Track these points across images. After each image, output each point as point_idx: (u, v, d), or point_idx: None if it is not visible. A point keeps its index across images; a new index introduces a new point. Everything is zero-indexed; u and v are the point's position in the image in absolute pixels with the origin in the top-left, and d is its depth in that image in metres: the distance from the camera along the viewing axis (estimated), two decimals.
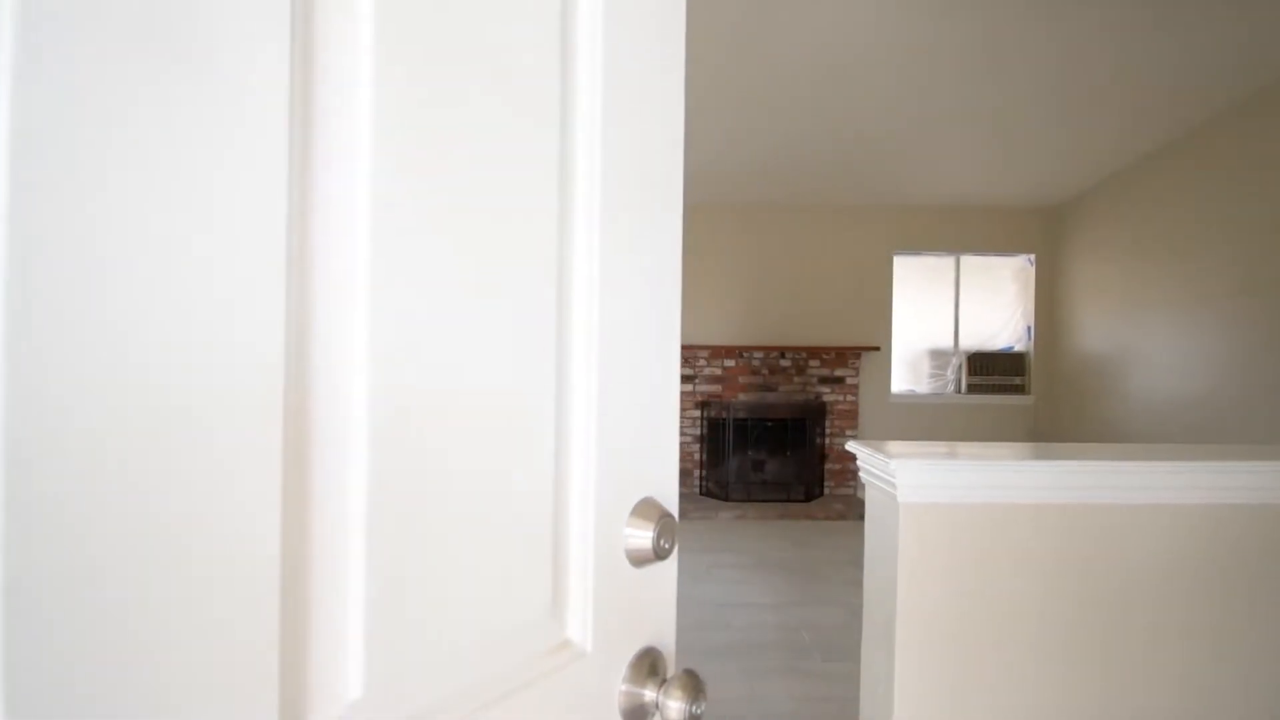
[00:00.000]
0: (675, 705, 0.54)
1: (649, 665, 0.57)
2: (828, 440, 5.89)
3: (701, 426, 5.86)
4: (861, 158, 4.99)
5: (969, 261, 6.14)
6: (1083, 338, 5.70)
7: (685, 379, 5.86)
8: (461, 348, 0.43)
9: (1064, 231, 5.92)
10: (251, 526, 0.32)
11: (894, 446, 1.61)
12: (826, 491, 5.90)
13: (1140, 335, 5.03)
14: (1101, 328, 5.50)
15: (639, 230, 0.57)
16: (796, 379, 5.88)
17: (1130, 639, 1.53)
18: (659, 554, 0.56)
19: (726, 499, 5.62)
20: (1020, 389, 6.07)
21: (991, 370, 6.05)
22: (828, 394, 5.89)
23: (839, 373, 5.90)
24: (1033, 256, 6.08)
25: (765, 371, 5.87)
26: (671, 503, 0.60)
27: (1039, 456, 1.54)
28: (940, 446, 1.66)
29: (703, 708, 0.55)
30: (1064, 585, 1.51)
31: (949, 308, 6.15)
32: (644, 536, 0.55)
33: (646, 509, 0.57)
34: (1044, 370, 6.07)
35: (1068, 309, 5.88)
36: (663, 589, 0.61)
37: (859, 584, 3.83)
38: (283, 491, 0.34)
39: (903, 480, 1.46)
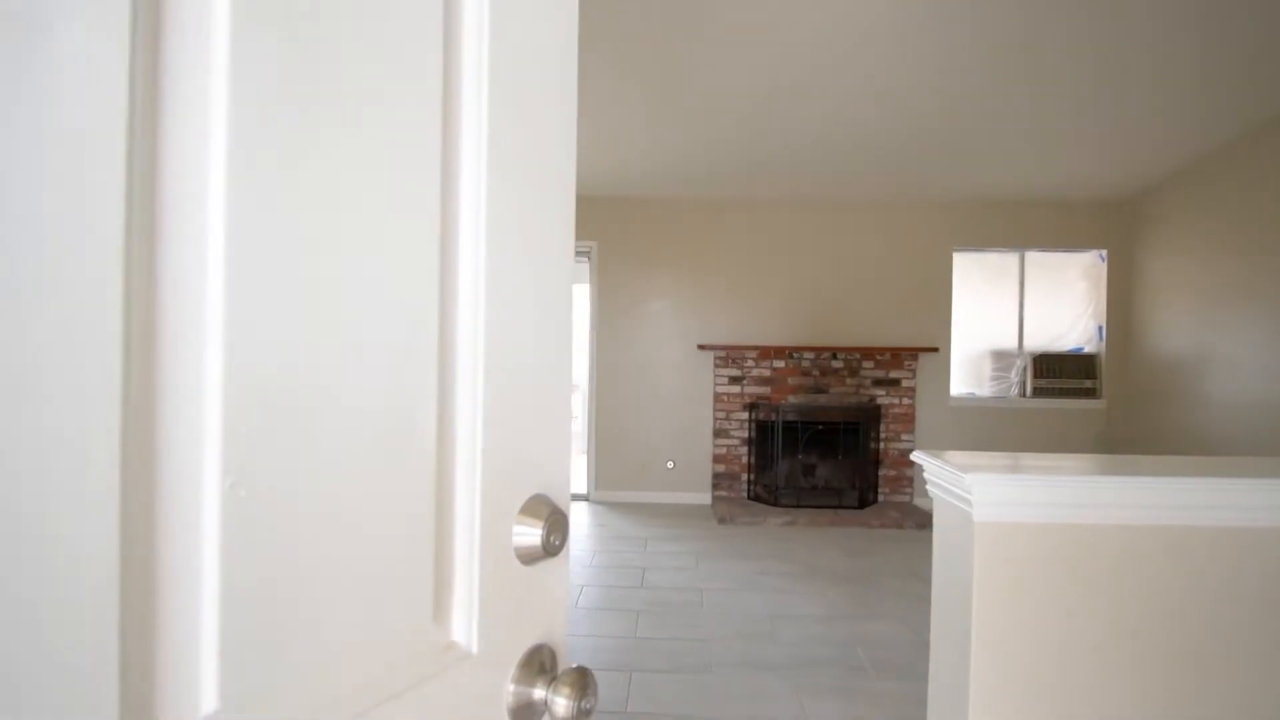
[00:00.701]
0: (563, 702, 0.54)
1: (539, 663, 0.57)
2: (882, 445, 5.66)
3: (750, 429, 5.70)
4: (918, 149, 4.76)
5: (1034, 258, 5.82)
6: (1160, 338, 5.34)
7: (733, 380, 5.72)
8: (335, 343, 0.42)
9: (1139, 225, 5.56)
10: (84, 524, 0.30)
11: (965, 458, 1.46)
12: (881, 499, 5.67)
13: (1224, 335, 4.67)
14: (1181, 327, 5.14)
15: (527, 227, 0.57)
16: (849, 381, 5.67)
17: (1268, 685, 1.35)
18: (549, 551, 0.56)
19: (775, 504, 5.45)
20: (1090, 393, 5.73)
21: (1059, 373, 5.73)
22: (882, 396, 5.67)
23: (894, 374, 5.66)
24: (1104, 252, 5.73)
25: (816, 373, 5.68)
26: (563, 499, 0.60)
27: (1145, 472, 1.37)
28: (1019, 458, 1.50)
29: (593, 703, 0.55)
30: (1172, 619, 1.34)
31: (1012, 307, 5.84)
32: (533, 534, 0.56)
33: (536, 506, 0.57)
34: (1117, 373, 5.72)
35: (1144, 307, 5.52)
36: (554, 586, 0.61)
37: (917, 598, 3.64)
38: (122, 487, 0.32)
39: (979, 496, 1.31)
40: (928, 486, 1.55)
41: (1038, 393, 5.72)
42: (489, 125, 0.52)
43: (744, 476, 5.74)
